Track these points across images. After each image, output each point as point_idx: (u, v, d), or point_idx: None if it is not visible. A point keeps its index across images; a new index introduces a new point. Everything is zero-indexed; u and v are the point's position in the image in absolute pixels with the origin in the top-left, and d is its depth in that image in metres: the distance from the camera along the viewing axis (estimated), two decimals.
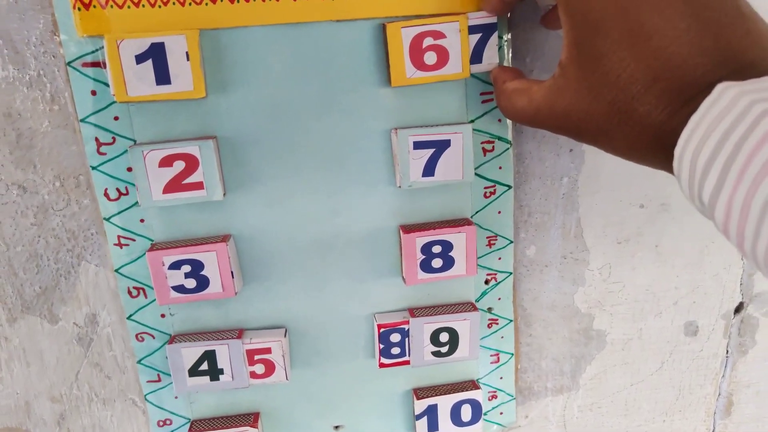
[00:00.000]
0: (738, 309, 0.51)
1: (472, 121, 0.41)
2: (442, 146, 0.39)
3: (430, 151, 0.39)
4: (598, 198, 0.45)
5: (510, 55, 0.40)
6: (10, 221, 0.48)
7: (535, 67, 0.41)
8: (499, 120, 0.41)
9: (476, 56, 0.38)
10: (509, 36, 0.39)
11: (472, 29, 0.37)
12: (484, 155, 0.41)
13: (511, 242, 0.44)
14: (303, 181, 0.40)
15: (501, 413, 0.48)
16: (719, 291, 0.50)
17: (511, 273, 0.45)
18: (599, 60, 0.28)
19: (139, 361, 0.45)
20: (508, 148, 0.42)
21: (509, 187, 0.43)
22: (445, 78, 0.38)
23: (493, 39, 0.38)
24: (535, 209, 0.45)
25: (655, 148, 0.28)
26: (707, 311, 0.50)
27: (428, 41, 0.37)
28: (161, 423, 0.47)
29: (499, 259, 0.44)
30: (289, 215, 0.41)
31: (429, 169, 0.39)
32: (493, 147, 0.41)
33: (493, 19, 0.37)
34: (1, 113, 0.44)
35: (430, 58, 0.37)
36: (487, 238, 0.43)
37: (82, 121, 0.39)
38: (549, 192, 0.44)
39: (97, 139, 0.39)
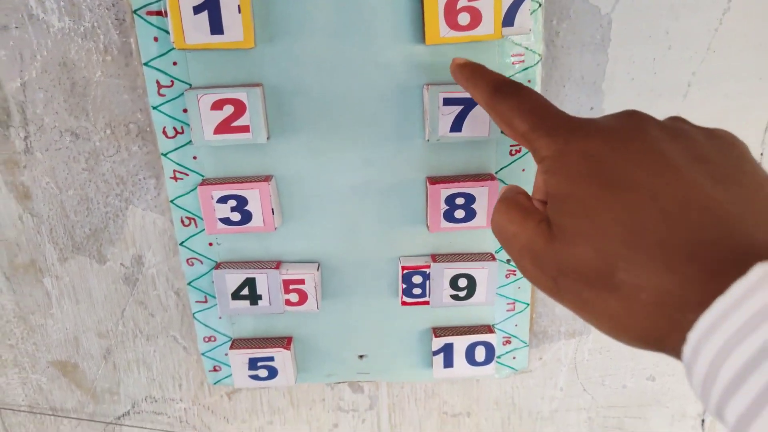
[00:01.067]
0: None
1: None
2: (470, 103, 0.41)
3: (458, 108, 0.41)
4: None
5: (542, 19, 0.42)
6: (63, 166, 0.52)
7: (561, 29, 0.43)
8: (529, 81, 0.43)
9: (509, 19, 0.40)
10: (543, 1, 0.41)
11: None
12: None
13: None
14: (340, 132, 0.44)
15: (514, 358, 0.52)
16: None
17: None
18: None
19: (188, 284, 0.50)
20: None
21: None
22: (477, 38, 0.40)
23: (526, 3, 0.40)
24: None
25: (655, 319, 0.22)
26: None
27: (462, 2, 0.39)
28: (206, 339, 0.52)
29: None
30: (326, 162, 0.45)
31: (457, 125, 0.42)
32: None
33: None
34: (57, 63, 0.48)
35: (464, 18, 0.39)
36: None
37: (145, 65, 0.43)
38: None
39: (158, 82, 0.43)
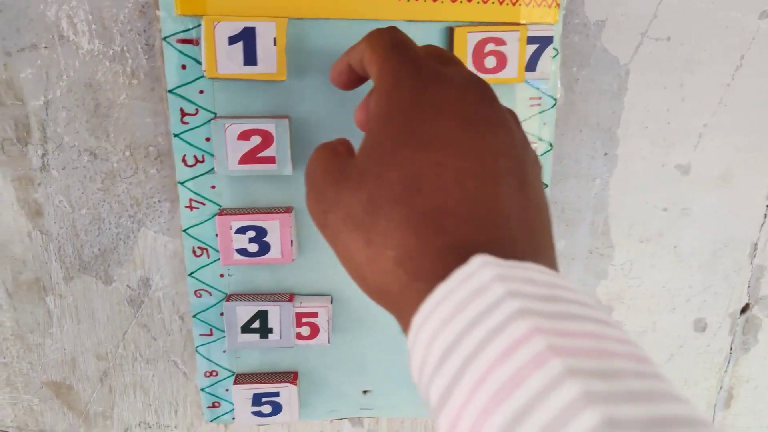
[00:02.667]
0: (744, 309, 0.55)
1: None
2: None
3: None
4: (626, 199, 0.48)
5: (559, 65, 0.43)
6: (78, 185, 0.52)
7: (580, 76, 0.45)
8: (545, 123, 0.44)
9: (531, 64, 0.42)
10: (559, 48, 0.43)
11: (531, 39, 0.41)
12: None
13: None
14: None
15: None
16: (729, 291, 0.53)
17: None
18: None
19: (194, 316, 0.50)
20: (549, 150, 0.45)
21: (545, 185, 0.47)
22: (501, 81, 0.42)
23: (549, 50, 0.41)
24: (568, 206, 0.48)
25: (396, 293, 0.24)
26: (716, 310, 0.54)
27: (490, 46, 0.41)
28: (208, 374, 0.52)
29: None
30: None
31: None
32: (536, 148, 0.45)
33: (550, 32, 0.41)
34: (83, 83, 0.49)
35: (490, 62, 0.41)
36: None
37: (170, 92, 0.44)
38: (582, 191, 0.48)
39: (181, 110, 0.44)
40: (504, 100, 0.43)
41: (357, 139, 0.44)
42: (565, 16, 0.43)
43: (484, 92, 0.27)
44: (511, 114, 0.28)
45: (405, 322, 0.23)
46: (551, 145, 0.45)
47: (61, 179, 0.52)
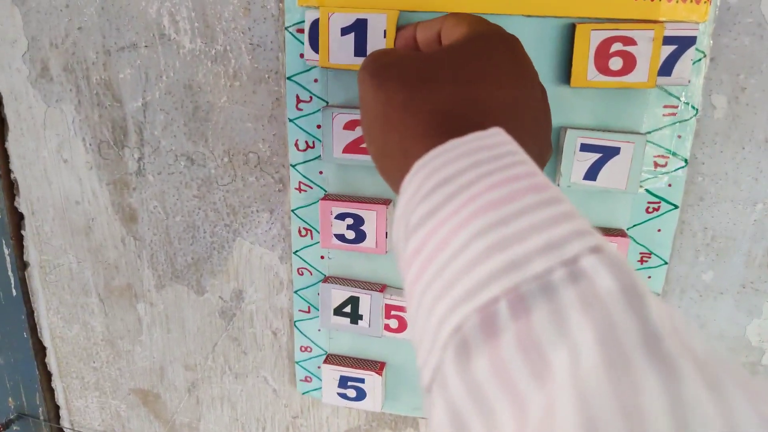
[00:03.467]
0: None
1: (648, 133, 0.40)
2: (610, 153, 0.39)
3: (596, 156, 0.39)
4: None
5: (705, 70, 0.39)
6: (173, 191, 0.50)
7: (749, 85, 0.39)
8: (679, 136, 0.40)
9: (666, 68, 0.37)
10: (710, 48, 0.38)
11: (668, 40, 0.37)
12: (655, 168, 0.41)
13: (666, 263, 0.43)
14: None
15: None
16: None
17: (658, 294, 0.44)
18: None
19: (295, 292, 0.50)
20: (683, 167, 0.41)
21: (675, 206, 0.42)
22: (627, 85, 0.38)
23: (689, 53, 0.37)
24: (720, 233, 0.42)
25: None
26: None
27: (617, 46, 0.37)
28: (303, 348, 0.52)
29: (649, 277, 0.44)
30: None
31: (592, 173, 0.40)
32: (666, 163, 0.41)
33: (693, 32, 0.36)
34: (183, 84, 0.46)
35: (616, 63, 0.37)
36: (641, 254, 0.43)
37: (288, 78, 0.44)
38: (739, 217, 0.42)
39: (297, 96, 0.44)
40: (628, 106, 0.39)
41: None
42: (734, 15, 0.37)
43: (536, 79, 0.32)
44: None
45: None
46: (686, 161, 0.40)
47: (156, 184, 0.50)
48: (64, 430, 0.65)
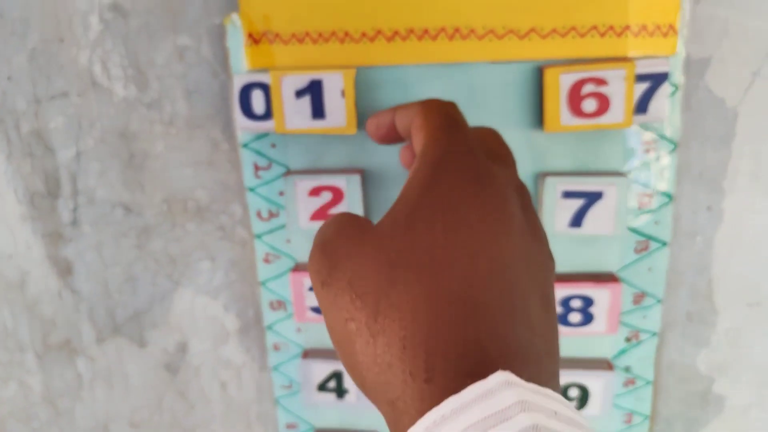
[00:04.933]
0: None
1: (629, 173, 0.40)
2: (593, 198, 0.38)
3: (579, 202, 0.38)
4: (733, 259, 0.42)
5: (681, 104, 0.38)
6: (111, 241, 0.48)
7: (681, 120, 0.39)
8: (661, 172, 0.39)
9: (642, 106, 0.37)
10: (684, 83, 0.38)
11: (640, 78, 0.36)
12: (640, 207, 0.40)
13: (659, 301, 0.43)
14: None
15: None
16: None
17: (656, 333, 0.43)
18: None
19: (274, 368, 0.48)
20: (667, 203, 0.40)
21: (664, 243, 0.41)
22: (603, 127, 0.37)
23: (663, 89, 0.37)
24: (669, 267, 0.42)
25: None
26: None
27: (588, 88, 0.36)
28: (289, 426, 0.50)
29: (644, 317, 0.43)
30: None
31: (577, 220, 0.39)
32: (651, 200, 0.40)
33: (665, 68, 0.36)
34: (117, 132, 0.45)
35: (590, 105, 0.36)
36: (634, 294, 0.42)
37: (244, 146, 0.42)
38: (681, 250, 0.42)
39: (255, 164, 0.42)
40: (607, 147, 0.38)
41: None
42: None
43: (524, 198, 0.26)
44: (541, 226, 0.27)
45: (399, 428, 0.20)
46: (671, 197, 0.40)
47: (92, 235, 0.48)
48: None
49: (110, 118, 0.44)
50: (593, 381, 0.42)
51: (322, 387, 0.45)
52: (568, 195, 0.38)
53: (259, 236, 0.44)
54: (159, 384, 0.52)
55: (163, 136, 0.44)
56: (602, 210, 0.38)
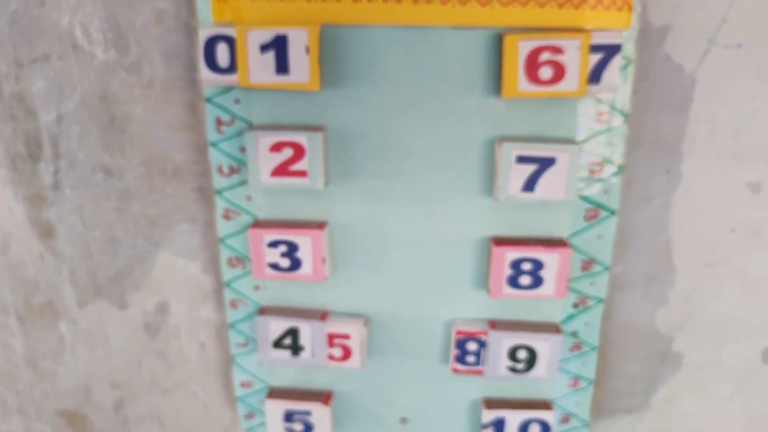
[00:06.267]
0: None
1: (583, 141, 0.40)
2: (546, 163, 0.38)
3: (533, 167, 0.38)
4: (689, 220, 0.43)
5: (632, 77, 0.39)
6: (91, 204, 0.48)
7: (640, 86, 0.40)
8: (611, 143, 0.40)
9: (595, 76, 0.37)
10: (640, 53, 0.38)
11: (594, 48, 0.36)
12: (590, 176, 0.41)
13: (607, 269, 0.43)
14: (402, 181, 0.41)
15: None
16: None
17: (602, 300, 0.44)
18: None
19: (230, 325, 0.47)
20: (617, 172, 0.41)
21: (613, 212, 0.41)
22: (558, 94, 0.37)
23: (616, 60, 0.37)
24: (625, 229, 0.43)
25: None
26: None
27: (545, 56, 0.36)
28: (244, 384, 0.49)
29: (592, 284, 0.43)
30: (385, 212, 0.42)
31: (529, 185, 0.39)
32: (601, 169, 0.40)
33: (618, 40, 0.36)
34: (97, 96, 0.45)
35: (546, 72, 0.37)
36: (582, 261, 0.43)
37: (207, 101, 0.41)
38: (640, 211, 0.43)
39: (218, 119, 0.41)
40: (561, 116, 0.39)
41: (392, 151, 0.41)
42: None
43: None
44: None
45: None
46: (620, 168, 0.40)
47: (74, 198, 0.48)
48: None
49: (90, 82, 0.45)
50: (541, 344, 0.42)
51: (278, 344, 0.44)
52: (522, 160, 0.38)
53: (219, 192, 0.43)
54: (139, 345, 0.53)
55: (142, 99, 0.45)
56: (554, 176, 0.38)
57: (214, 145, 0.42)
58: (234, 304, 0.46)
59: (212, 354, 0.51)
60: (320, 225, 0.42)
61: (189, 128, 0.44)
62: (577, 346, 0.44)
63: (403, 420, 0.48)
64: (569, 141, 0.39)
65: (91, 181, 0.47)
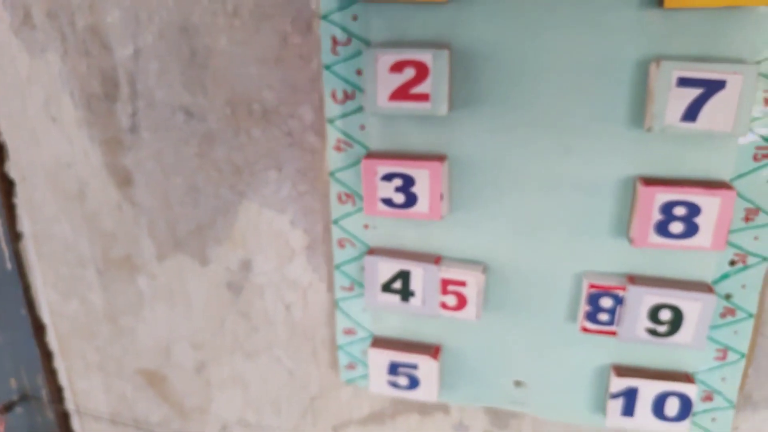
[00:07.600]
0: None
1: (759, 62, 0.32)
2: (713, 87, 0.31)
3: (697, 91, 0.31)
4: None
5: None
6: (171, 150, 0.44)
7: None
8: None
9: None
10: None
11: None
12: (766, 106, 0.33)
13: None
14: (536, 109, 0.34)
15: (713, 419, 0.41)
16: None
17: (766, 258, 0.36)
18: None
19: (336, 267, 0.43)
20: None
21: None
22: (735, 3, 0.29)
23: None
24: None
25: None
26: None
27: None
28: (346, 331, 0.46)
29: (755, 239, 0.35)
30: (514, 145, 0.36)
31: (691, 113, 0.31)
32: None
33: None
34: (177, 27, 0.40)
35: None
36: (746, 210, 0.35)
37: (323, 18, 0.37)
38: None
39: (333, 38, 0.37)
40: (735, 30, 0.32)
41: (526, 73, 0.34)
42: None
43: None
44: None
45: None
46: None
47: (152, 143, 0.44)
48: (70, 412, 0.61)
49: (169, 11, 0.40)
50: (690, 304, 0.35)
51: (386, 288, 0.41)
52: (684, 83, 0.31)
53: (331, 121, 0.39)
54: (221, 305, 0.49)
55: (226, 30, 0.40)
56: (722, 103, 0.31)
57: (328, 68, 0.37)
58: (341, 244, 0.42)
59: (299, 317, 0.47)
60: (440, 158, 0.37)
61: (280, 63, 0.39)
62: (729, 311, 0.37)
63: (518, 383, 0.42)
64: (744, 61, 0.31)
65: (170, 123, 0.43)
